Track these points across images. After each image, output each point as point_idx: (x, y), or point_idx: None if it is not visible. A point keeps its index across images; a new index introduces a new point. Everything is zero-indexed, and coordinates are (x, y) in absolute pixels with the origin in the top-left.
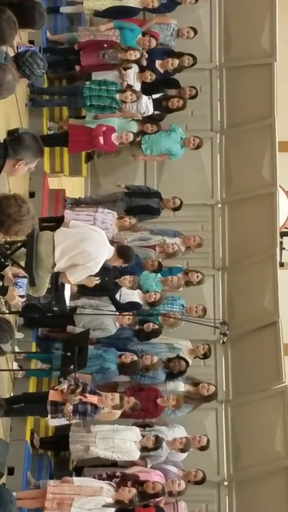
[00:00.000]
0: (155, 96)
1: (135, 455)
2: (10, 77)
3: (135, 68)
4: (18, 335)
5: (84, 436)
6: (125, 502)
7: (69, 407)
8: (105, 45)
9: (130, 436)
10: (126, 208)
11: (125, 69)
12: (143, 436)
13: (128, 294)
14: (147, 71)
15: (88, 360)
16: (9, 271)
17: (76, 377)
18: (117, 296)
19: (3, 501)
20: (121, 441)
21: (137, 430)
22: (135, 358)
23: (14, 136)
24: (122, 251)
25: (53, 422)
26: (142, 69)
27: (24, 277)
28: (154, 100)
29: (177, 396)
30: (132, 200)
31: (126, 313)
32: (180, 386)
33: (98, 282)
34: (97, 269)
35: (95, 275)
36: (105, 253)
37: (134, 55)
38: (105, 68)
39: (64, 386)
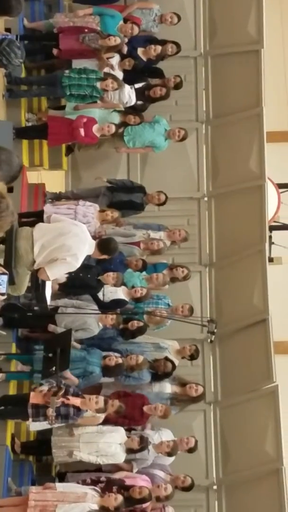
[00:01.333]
0: (137, 85)
1: (120, 458)
2: None
3: (117, 57)
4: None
5: (67, 440)
6: (110, 509)
7: (50, 411)
8: (86, 30)
9: (115, 438)
10: (109, 203)
11: (107, 58)
12: (128, 437)
13: (112, 292)
14: (127, 58)
15: (71, 363)
16: None
17: (59, 379)
18: (101, 295)
19: None
20: (106, 445)
21: (122, 431)
22: (120, 360)
23: None
24: (103, 244)
25: (34, 426)
26: (123, 58)
27: (4, 273)
28: (136, 90)
29: (166, 407)
30: (115, 195)
31: (110, 312)
32: (167, 387)
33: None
34: (77, 264)
35: (76, 272)
36: (86, 247)
37: (114, 39)
38: (84, 55)
39: (45, 388)
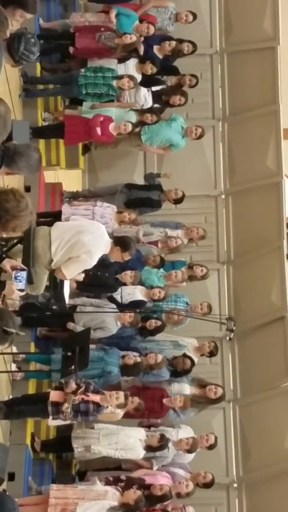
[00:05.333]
0: (154, 88)
1: (140, 453)
2: None
3: (134, 60)
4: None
5: (87, 432)
6: (130, 504)
7: (65, 406)
8: (102, 29)
9: (135, 433)
10: (126, 200)
11: (123, 60)
12: (147, 436)
13: (130, 294)
14: (148, 63)
15: (89, 363)
16: (7, 263)
17: (79, 377)
18: (119, 297)
19: (6, 510)
20: (126, 437)
21: (142, 430)
22: (138, 359)
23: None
24: (118, 239)
25: (54, 422)
26: (141, 59)
27: (23, 269)
28: (153, 93)
29: (185, 397)
30: (132, 192)
31: (128, 310)
32: (186, 388)
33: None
34: (93, 262)
35: (94, 270)
36: (102, 245)
37: (130, 37)
38: (100, 54)
39: (73, 386)
